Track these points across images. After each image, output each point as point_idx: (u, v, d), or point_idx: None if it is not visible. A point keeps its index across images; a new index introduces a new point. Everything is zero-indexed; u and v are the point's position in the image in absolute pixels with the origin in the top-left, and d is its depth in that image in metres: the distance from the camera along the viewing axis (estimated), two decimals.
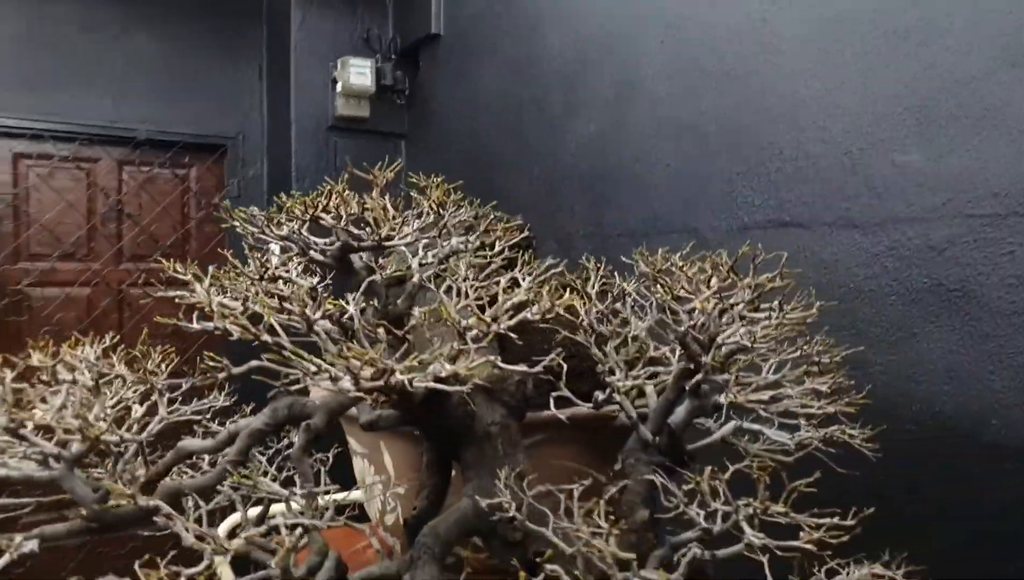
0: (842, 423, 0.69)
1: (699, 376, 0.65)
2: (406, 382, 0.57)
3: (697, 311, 0.64)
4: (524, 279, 0.70)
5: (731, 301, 0.67)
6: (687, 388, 0.67)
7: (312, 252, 0.81)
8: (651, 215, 1.89)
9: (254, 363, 0.62)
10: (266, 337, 0.61)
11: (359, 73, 2.74)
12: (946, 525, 1.24)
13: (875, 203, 1.39)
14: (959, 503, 1.24)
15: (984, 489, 1.21)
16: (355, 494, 1.36)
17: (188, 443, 0.78)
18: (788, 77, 1.56)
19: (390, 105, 2.91)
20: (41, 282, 2.71)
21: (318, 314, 0.62)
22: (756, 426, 0.70)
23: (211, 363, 0.62)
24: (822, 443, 0.67)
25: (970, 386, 1.24)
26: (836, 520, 0.57)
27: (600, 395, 0.74)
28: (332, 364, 0.57)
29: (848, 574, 0.63)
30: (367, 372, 0.57)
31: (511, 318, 0.64)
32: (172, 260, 0.81)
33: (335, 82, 2.79)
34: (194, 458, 0.83)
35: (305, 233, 0.80)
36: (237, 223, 0.81)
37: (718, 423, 0.75)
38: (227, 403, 0.92)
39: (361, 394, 0.58)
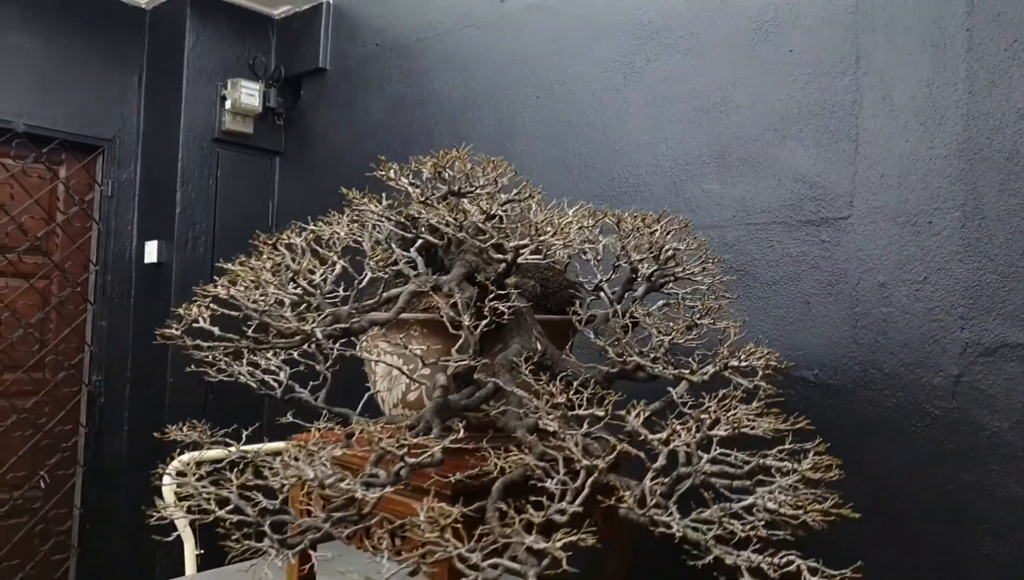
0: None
1: (655, 268, 1.23)
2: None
3: (651, 233, 1.23)
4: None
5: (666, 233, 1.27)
6: (647, 277, 1.25)
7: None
8: None
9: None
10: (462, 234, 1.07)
11: (249, 95, 3.05)
12: None
13: (689, 215, 2.11)
14: None
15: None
16: None
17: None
18: (631, 130, 2.26)
19: (270, 125, 3.24)
20: None
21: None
22: (667, 293, 1.30)
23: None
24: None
25: (747, 329, 1.97)
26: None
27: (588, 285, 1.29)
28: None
29: None
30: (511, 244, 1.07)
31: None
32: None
33: (224, 99, 3.06)
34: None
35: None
36: (386, 173, 1.24)
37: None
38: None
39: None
